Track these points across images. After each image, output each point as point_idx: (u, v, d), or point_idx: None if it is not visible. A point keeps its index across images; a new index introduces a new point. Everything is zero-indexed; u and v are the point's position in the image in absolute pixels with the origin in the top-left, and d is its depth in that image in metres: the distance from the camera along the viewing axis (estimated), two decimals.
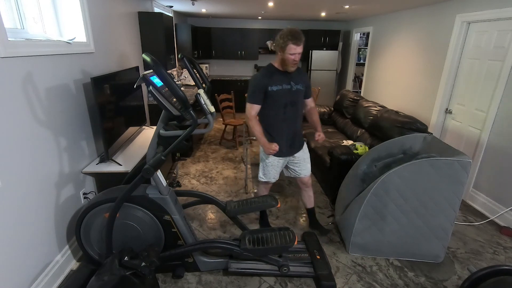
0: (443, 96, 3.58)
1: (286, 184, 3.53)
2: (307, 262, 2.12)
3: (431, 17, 3.89)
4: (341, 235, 2.53)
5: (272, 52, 6.91)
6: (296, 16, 6.14)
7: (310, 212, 2.62)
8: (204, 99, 1.75)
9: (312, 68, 6.68)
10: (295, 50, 1.96)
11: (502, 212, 2.78)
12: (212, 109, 1.77)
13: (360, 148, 2.99)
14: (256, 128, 2.14)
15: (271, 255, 2.04)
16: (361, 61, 6.96)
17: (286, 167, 2.42)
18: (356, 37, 6.55)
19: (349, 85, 6.89)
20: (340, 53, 6.93)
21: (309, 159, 2.41)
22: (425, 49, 3.98)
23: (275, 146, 2.11)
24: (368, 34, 6.05)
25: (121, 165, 2.28)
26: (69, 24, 2.22)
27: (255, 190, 3.36)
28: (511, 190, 2.71)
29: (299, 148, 2.33)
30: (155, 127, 3.27)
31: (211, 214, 2.87)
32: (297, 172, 2.40)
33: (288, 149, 2.27)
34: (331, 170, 3.02)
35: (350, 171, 2.59)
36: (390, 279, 2.12)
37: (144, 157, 2.37)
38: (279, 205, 2.30)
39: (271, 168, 2.31)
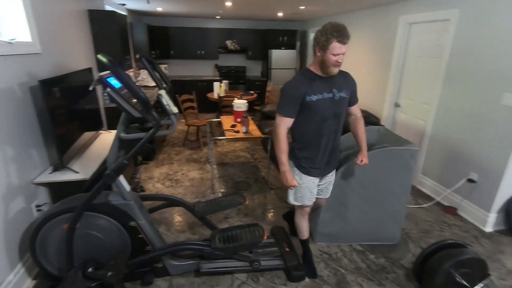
0: (392, 91, 3.89)
1: (253, 182, 3.58)
2: (277, 255, 2.19)
3: (378, 18, 4.19)
4: None
5: (233, 52, 6.94)
6: (255, 16, 6.22)
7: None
8: (166, 99, 1.73)
9: (271, 67, 6.81)
10: (339, 50, 1.57)
11: (445, 194, 3.11)
12: (175, 109, 1.75)
13: None
14: (282, 148, 1.74)
15: (242, 252, 2.07)
16: None
17: None
18: (312, 36, 6.80)
19: None
20: (298, 52, 7.16)
21: (334, 179, 2.09)
22: (375, 48, 4.28)
23: (295, 183, 1.81)
24: None
25: (78, 172, 2.15)
26: (10, 22, 2.03)
27: (222, 190, 3.36)
28: (452, 173, 3.04)
29: (334, 167, 2.01)
30: (113, 131, 3.12)
31: (178, 216, 2.81)
32: (318, 194, 2.04)
33: (325, 168, 1.91)
34: None
35: None
36: (353, 263, 2.27)
37: (104, 163, 2.25)
38: (247, 202, 2.31)
39: (305, 190, 1.92)
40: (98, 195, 1.72)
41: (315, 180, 1.92)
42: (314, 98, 1.68)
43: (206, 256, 2.02)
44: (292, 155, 1.88)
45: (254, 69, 7.51)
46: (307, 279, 2.09)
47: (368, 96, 4.45)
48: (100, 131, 3.08)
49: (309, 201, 1.97)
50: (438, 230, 2.73)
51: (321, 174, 1.92)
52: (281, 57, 6.80)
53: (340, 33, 1.55)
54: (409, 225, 2.76)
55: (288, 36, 7.02)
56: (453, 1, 2.94)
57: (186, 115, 4.69)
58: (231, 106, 4.01)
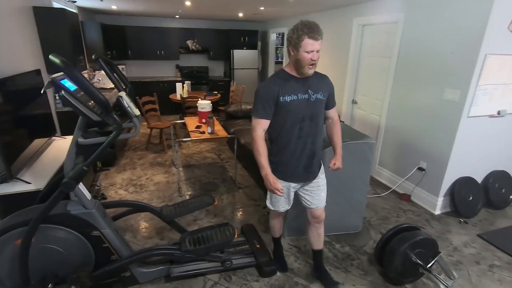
0: (349, 89, 4.12)
1: (220, 182, 3.57)
2: (248, 253, 2.22)
3: (335, 20, 4.40)
4: None
5: (195, 52, 6.83)
6: (215, 16, 6.19)
7: (317, 256, 2.10)
8: (127, 102, 1.67)
9: (234, 67, 6.83)
10: (312, 47, 1.53)
11: (400, 182, 3.37)
12: (137, 112, 1.69)
13: None
14: (261, 151, 1.66)
15: (214, 252, 2.07)
16: (279, 60, 7.43)
17: (296, 193, 1.94)
18: (272, 37, 6.94)
19: None
20: (259, 52, 7.25)
21: (325, 186, 1.93)
22: (333, 48, 4.49)
23: (279, 186, 1.68)
24: (283, 34, 6.48)
25: (29, 183, 1.98)
26: None
27: (190, 192, 3.31)
28: (405, 163, 3.31)
29: (317, 172, 1.87)
30: (68, 137, 2.92)
31: (144, 222, 2.72)
32: (307, 202, 1.92)
33: (303, 173, 1.81)
34: None
35: None
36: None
37: (59, 171, 2.11)
38: (216, 203, 2.30)
39: (281, 197, 1.85)
40: (55, 205, 1.61)
41: (293, 186, 1.85)
42: (288, 98, 1.63)
43: (177, 260, 1.98)
44: (268, 159, 1.75)
45: (216, 69, 7.46)
46: (278, 273, 2.14)
47: None
48: (53, 138, 2.86)
49: (283, 207, 1.92)
50: (395, 216, 2.95)
51: (298, 179, 1.82)
52: (243, 57, 6.84)
53: (311, 29, 1.52)
54: (369, 213, 2.95)
55: (249, 36, 7.08)
56: (399, 6, 3.20)
57: (148, 118, 4.53)
58: (195, 107, 3.96)
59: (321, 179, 1.90)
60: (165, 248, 1.96)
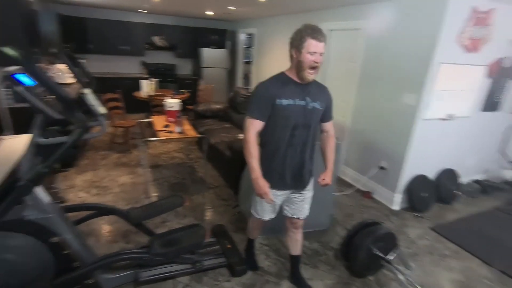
0: None
1: (190, 183, 3.51)
2: (219, 253, 2.21)
3: (303, 23, 4.52)
4: (247, 222, 2.72)
5: (161, 49, 6.62)
6: (183, 12, 6.04)
7: (294, 262, 2.10)
8: (92, 99, 1.58)
9: (203, 66, 6.73)
10: (316, 48, 1.50)
11: (363, 181, 3.57)
12: (103, 109, 1.61)
13: None
14: (253, 153, 1.61)
15: (184, 254, 2.03)
16: (249, 60, 7.46)
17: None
18: (241, 37, 6.96)
19: (240, 82, 7.29)
20: (228, 52, 7.23)
21: (311, 199, 1.91)
22: None
23: (268, 191, 1.64)
24: (253, 34, 6.52)
25: None
26: None
27: (158, 193, 3.21)
28: (367, 162, 3.51)
29: (307, 183, 1.82)
30: (23, 136, 2.68)
31: (109, 226, 2.59)
32: (288, 211, 1.89)
33: (292, 181, 1.75)
34: (232, 163, 3.18)
35: None
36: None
37: (12, 174, 1.93)
38: (187, 203, 2.27)
39: (266, 204, 1.81)
40: (8, 210, 1.48)
41: (279, 195, 1.79)
42: (284, 102, 1.58)
43: (145, 263, 1.92)
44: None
45: (184, 67, 7.30)
46: (249, 272, 2.16)
47: None
48: (3, 137, 2.61)
49: (268, 216, 1.88)
50: (359, 212, 3.12)
51: (286, 188, 1.77)
52: (212, 56, 6.77)
53: (314, 31, 1.51)
54: (335, 211, 3.09)
55: (218, 35, 7.02)
56: (363, 13, 3.38)
57: (112, 116, 4.31)
58: (162, 106, 3.84)
59: (308, 191, 1.85)
60: (133, 252, 1.89)
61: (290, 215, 1.90)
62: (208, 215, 2.90)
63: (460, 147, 3.44)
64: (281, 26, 5.14)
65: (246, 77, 7.60)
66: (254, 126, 1.62)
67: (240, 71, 7.23)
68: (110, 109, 4.29)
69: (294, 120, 1.62)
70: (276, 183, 1.73)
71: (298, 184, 1.79)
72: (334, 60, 4.00)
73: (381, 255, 2.12)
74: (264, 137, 1.70)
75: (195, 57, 6.96)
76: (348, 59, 3.73)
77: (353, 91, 3.60)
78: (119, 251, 2.17)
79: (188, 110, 5.72)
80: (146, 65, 6.71)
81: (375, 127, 3.36)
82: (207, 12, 5.67)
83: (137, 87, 5.35)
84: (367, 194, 3.45)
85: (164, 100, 3.76)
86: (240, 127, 4.30)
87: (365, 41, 3.37)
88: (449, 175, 3.41)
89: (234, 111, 4.66)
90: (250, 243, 2.23)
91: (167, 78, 6.69)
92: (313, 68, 1.55)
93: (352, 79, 3.61)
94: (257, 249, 2.41)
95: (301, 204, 1.87)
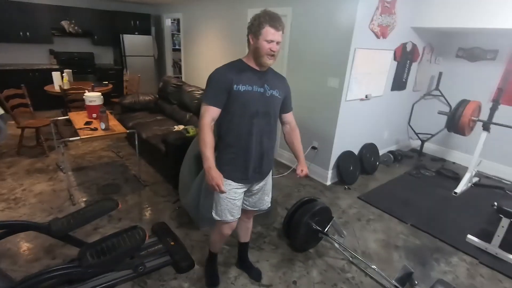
0: None
1: (123, 182, 3.25)
2: (163, 252, 2.12)
3: (230, 9, 4.46)
4: (189, 216, 2.66)
5: (74, 35, 5.83)
6: None
7: (243, 249, 2.12)
8: None
9: (126, 54, 6.18)
10: (273, 36, 1.47)
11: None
12: (1, 110, 1.35)
13: (192, 130, 3.15)
14: (207, 141, 1.49)
15: (123, 260, 1.89)
16: (177, 47, 7.11)
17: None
18: (167, 22, 6.55)
19: (169, 71, 6.92)
20: (154, 39, 6.75)
21: (270, 189, 1.88)
22: (230, 37, 4.56)
23: (220, 182, 1.49)
24: (179, 20, 6.20)
25: None
26: None
27: (85, 199, 2.90)
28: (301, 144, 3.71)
29: (267, 173, 1.77)
30: None
31: (27, 243, 2.25)
32: (246, 203, 1.81)
33: (253, 174, 1.66)
34: (168, 157, 3.04)
35: (187, 154, 2.71)
36: (236, 238, 2.47)
37: None
38: (120, 206, 2.09)
39: (227, 201, 1.66)
40: None
41: (240, 188, 1.68)
42: (242, 88, 1.52)
43: (78, 278, 1.74)
44: (214, 156, 1.58)
45: (104, 56, 6.58)
46: (196, 266, 2.13)
47: None
48: None
49: (231, 216, 1.69)
50: (297, 191, 3.32)
51: (247, 181, 1.68)
52: (136, 43, 6.25)
53: (273, 19, 1.49)
54: (275, 192, 3.22)
55: (141, 21, 6.49)
56: (288, 0, 3.48)
57: (17, 115, 3.68)
58: (82, 100, 3.42)
59: (268, 182, 1.81)
60: (60, 268, 1.68)
61: (250, 208, 1.84)
62: (147, 214, 2.74)
63: (377, 123, 3.89)
64: (207, 12, 4.98)
65: (176, 66, 7.25)
66: (210, 112, 1.53)
67: (169, 59, 6.85)
68: (13, 107, 3.65)
69: (254, 108, 1.55)
70: (237, 175, 1.64)
71: (259, 176, 1.72)
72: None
73: (319, 228, 2.30)
74: (222, 127, 1.62)
75: (116, 45, 6.33)
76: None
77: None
78: (43, 269, 1.92)
79: (114, 103, 5.23)
80: (56, 54, 5.86)
81: (305, 110, 3.56)
82: None
83: (48, 81, 4.66)
84: None
85: (84, 94, 3.34)
86: (174, 118, 4.11)
87: (291, 27, 3.48)
88: (369, 148, 3.84)
89: (166, 101, 4.42)
90: (212, 257, 2.04)
91: (84, 69, 5.98)
92: (271, 56, 1.51)
93: (280, 65, 3.73)
94: (202, 241, 2.39)
95: (261, 196, 1.82)
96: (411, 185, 3.65)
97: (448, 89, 4.29)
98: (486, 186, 3.69)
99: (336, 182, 3.59)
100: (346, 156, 3.52)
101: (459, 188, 3.30)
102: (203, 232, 2.51)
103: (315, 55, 3.30)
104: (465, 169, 3.65)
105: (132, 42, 6.18)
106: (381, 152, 4.10)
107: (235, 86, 1.51)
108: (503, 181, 3.83)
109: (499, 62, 3.79)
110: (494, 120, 3.29)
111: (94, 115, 3.21)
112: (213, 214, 1.74)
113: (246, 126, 1.57)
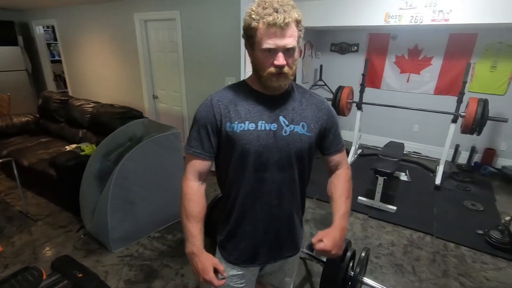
0: (147, 85, 4.11)
1: (4, 222, 2.69)
2: None
3: (113, 14, 4.15)
4: (98, 241, 2.42)
5: None
6: None
7: None
8: None
9: None
10: (274, 42, 0.88)
11: None
12: None
13: (87, 148, 2.85)
14: (188, 210, 1.03)
15: None
16: (56, 58, 6.21)
17: None
18: (38, 30, 5.66)
19: (51, 85, 6.00)
20: (23, 49, 5.73)
21: (295, 270, 1.31)
22: (118, 44, 4.26)
23: (210, 276, 0.98)
24: (53, 27, 5.43)
25: None
26: None
27: None
28: None
29: (289, 251, 1.17)
30: None
31: None
32: (259, 275, 1.23)
33: (265, 253, 1.11)
34: (62, 181, 2.67)
35: (84, 174, 2.44)
36: (156, 251, 2.37)
37: None
38: (1, 249, 1.74)
39: None
40: None
41: (245, 273, 1.13)
42: (238, 127, 0.97)
43: None
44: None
45: None
46: None
47: (126, 92, 4.44)
48: None
49: None
50: (213, 190, 3.36)
51: (257, 261, 1.13)
52: (1, 56, 5.19)
53: (274, 8, 0.87)
54: None
55: (3, 30, 5.41)
56: (174, 3, 3.46)
57: None
58: None
59: (289, 260, 1.22)
60: None
61: (261, 280, 1.30)
62: (44, 251, 2.36)
63: None
64: (87, 17, 4.51)
65: (60, 79, 6.34)
66: (193, 166, 1.04)
67: (48, 72, 5.93)
68: None
69: (260, 156, 0.98)
70: (241, 257, 1.11)
71: (276, 254, 1.15)
72: (155, 51, 3.95)
73: None
74: (223, 185, 1.11)
75: None
76: (168, 50, 3.77)
77: (182, 80, 3.70)
78: None
79: None
80: None
81: None
82: None
83: None
84: (215, 172, 3.74)
85: None
86: (64, 138, 3.62)
87: (181, 31, 3.48)
88: None
89: (51, 120, 3.85)
90: None
91: None
92: (277, 74, 0.92)
93: (177, 69, 3.70)
94: (117, 264, 2.20)
95: (280, 276, 1.26)
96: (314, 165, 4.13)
97: (329, 78, 5.02)
98: (367, 155, 4.48)
99: None
100: None
101: (348, 160, 3.92)
102: (117, 254, 2.31)
103: (210, 56, 3.38)
104: (351, 144, 4.35)
105: None
106: None
107: (227, 124, 0.98)
108: (378, 148, 4.73)
109: (361, 53, 4.65)
110: (364, 100, 4.02)
111: None
112: None
113: (251, 184, 1.02)
